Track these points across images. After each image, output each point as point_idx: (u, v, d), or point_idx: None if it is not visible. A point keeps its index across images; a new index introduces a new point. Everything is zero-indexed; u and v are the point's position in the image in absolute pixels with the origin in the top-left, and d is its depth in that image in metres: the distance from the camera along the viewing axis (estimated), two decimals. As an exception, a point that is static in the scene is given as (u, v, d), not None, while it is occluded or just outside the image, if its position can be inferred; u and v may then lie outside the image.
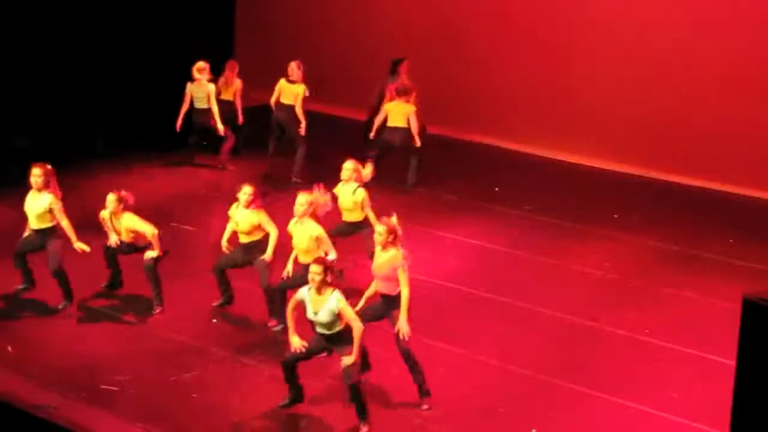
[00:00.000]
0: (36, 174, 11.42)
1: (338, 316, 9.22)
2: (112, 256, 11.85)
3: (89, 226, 13.67)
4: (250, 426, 9.54)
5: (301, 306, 9.37)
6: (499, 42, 17.79)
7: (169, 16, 17.78)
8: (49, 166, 11.52)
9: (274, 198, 13.33)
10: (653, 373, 10.58)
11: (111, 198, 11.46)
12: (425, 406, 9.83)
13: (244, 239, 11.32)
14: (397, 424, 9.60)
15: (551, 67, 17.31)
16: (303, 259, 10.55)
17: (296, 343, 9.40)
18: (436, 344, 10.92)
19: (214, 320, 11.48)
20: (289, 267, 10.80)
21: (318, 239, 10.55)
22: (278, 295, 10.92)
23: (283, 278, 10.85)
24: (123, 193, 11.49)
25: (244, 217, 11.22)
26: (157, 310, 11.52)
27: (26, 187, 12.42)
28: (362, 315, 9.74)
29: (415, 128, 15.17)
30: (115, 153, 16.40)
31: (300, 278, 10.26)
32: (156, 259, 11.44)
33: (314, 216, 10.75)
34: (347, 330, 9.29)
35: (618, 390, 10.16)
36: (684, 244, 13.90)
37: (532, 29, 17.44)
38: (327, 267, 9.23)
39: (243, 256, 11.38)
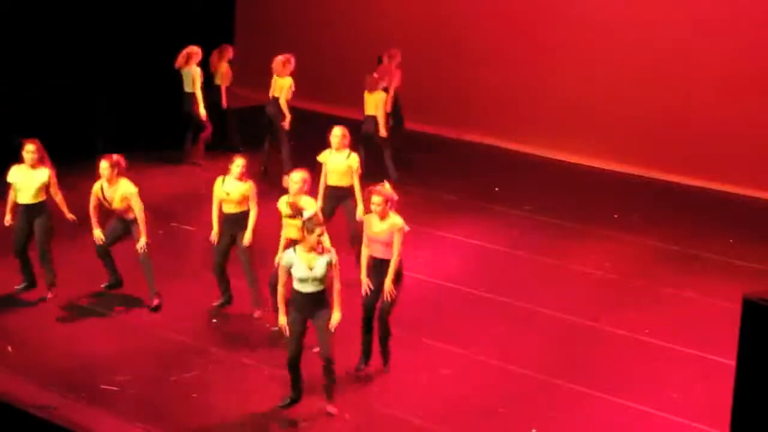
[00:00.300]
0: (30, 150, 11.45)
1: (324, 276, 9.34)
2: (105, 253, 11.80)
3: (89, 226, 13.67)
4: (250, 426, 9.54)
5: (289, 274, 9.41)
6: (499, 42, 17.79)
7: (169, 16, 17.78)
8: (38, 141, 11.55)
9: (272, 195, 13.30)
10: (653, 373, 10.57)
11: (104, 165, 11.42)
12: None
13: (232, 209, 11.32)
14: (398, 424, 9.59)
15: (551, 67, 17.31)
16: (297, 235, 10.51)
17: (284, 321, 9.47)
18: (436, 344, 10.93)
19: (214, 320, 11.48)
20: (281, 254, 10.78)
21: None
22: (271, 290, 10.88)
23: (276, 263, 10.85)
24: (114, 157, 11.47)
25: (236, 188, 11.27)
26: (156, 302, 11.51)
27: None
28: (366, 301, 10.08)
29: (381, 118, 15.21)
30: (114, 153, 16.37)
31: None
32: (148, 245, 11.43)
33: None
34: (327, 291, 9.42)
35: (618, 390, 10.16)
36: (684, 244, 13.90)
37: (532, 29, 17.45)
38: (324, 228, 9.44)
39: (229, 230, 11.36)
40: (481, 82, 17.95)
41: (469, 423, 9.67)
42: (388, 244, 10.03)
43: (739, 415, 5.99)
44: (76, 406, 9.61)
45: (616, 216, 14.85)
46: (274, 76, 15.47)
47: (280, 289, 9.57)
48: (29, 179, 11.48)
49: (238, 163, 11.31)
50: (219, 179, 11.39)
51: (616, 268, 13.04)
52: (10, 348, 10.66)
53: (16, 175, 11.53)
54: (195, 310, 11.62)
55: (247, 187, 11.29)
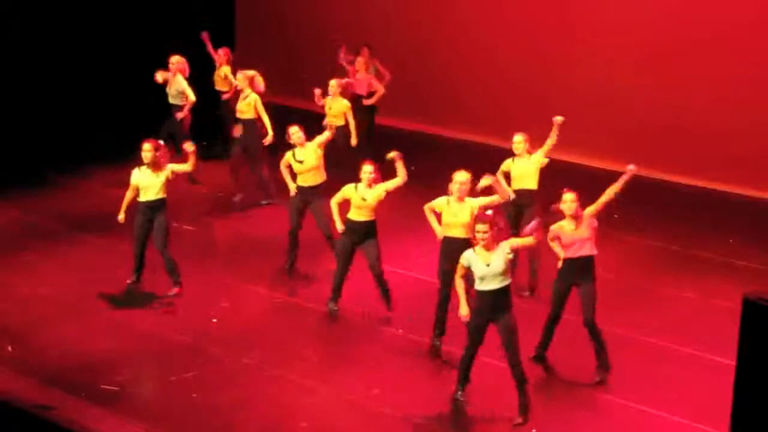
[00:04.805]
0: (147, 149, 11.62)
1: (507, 268, 9.44)
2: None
3: (89, 226, 13.73)
4: (250, 426, 9.54)
5: (467, 270, 9.51)
6: (498, 42, 17.80)
7: (169, 17, 17.79)
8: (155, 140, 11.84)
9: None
10: (653, 373, 10.57)
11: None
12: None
13: (363, 216, 11.27)
14: (398, 424, 9.60)
15: (550, 67, 17.31)
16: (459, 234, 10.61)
17: (466, 311, 9.53)
18: (435, 344, 10.94)
19: (214, 320, 11.48)
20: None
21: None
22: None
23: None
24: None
25: (370, 194, 11.21)
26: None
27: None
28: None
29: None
30: (115, 153, 16.39)
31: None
32: None
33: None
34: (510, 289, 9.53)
35: (618, 390, 10.16)
36: (684, 244, 13.89)
37: (533, 28, 17.45)
38: (493, 224, 9.48)
39: (354, 238, 11.38)
40: (481, 83, 17.96)
41: (469, 423, 9.67)
42: (587, 238, 10.30)
43: (739, 415, 5.99)
44: (76, 406, 9.62)
45: (616, 216, 14.83)
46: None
47: (459, 281, 9.63)
48: (152, 178, 11.60)
49: (368, 170, 11.28)
50: (350, 186, 11.38)
51: (616, 268, 13.03)
52: (10, 348, 10.67)
53: (139, 176, 11.65)
54: (195, 310, 11.62)
55: (381, 192, 11.29)
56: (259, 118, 14.62)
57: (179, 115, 15.25)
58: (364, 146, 15.30)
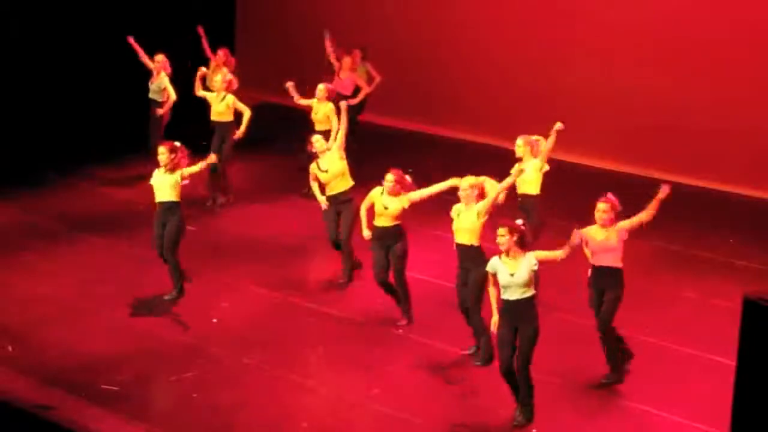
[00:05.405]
0: (162, 152, 11.46)
1: (531, 279, 9.31)
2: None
3: (89, 226, 13.72)
4: (250, 426, 9.53)
5: (495, 278, 9.41)
6: (498, 42, 17.80)
7: (168, 17, 17.79)
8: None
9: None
10: (653, 373, 10.57)
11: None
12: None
13: (386, 222, 11.28)
14: (398, 424, 9.60)
15: (551, 67, 17.31)
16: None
17: (496, 319, 9.42)
18: (435, 344, 10.94)
19: (214, 320, 11.48)
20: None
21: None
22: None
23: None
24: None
25: (393, 203, 11.18)
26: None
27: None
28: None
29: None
30: (114, 153, 16.40)
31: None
32: None
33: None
34: (534, 298, 9.41)
35: (618, 389, 10.17)
36: (684, 244, 13.89)
37: (532, 27, 17.45)
38: (513, 229, 9.35)
39: (384, 243, 11.38)
40: (481, 82, 17.96)
41: (469, 423, 9.67)
42: (613, 249, 10.24)
43: (739, 414, 5.99)
44: (76, 406, 9.62)
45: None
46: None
47: (491, 288, 9.54)
48: (162, 179, 11.49)
49: (389, 179, 11.25)
50: (378, 189, 11.35)
51: (616, 268, 13.02)
52: (10, 348, 10.66)
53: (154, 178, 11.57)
54: (195, 310, 11.62)
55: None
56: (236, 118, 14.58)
57: (159, 111, 15.32)
58: (348, 144, 15.29)
